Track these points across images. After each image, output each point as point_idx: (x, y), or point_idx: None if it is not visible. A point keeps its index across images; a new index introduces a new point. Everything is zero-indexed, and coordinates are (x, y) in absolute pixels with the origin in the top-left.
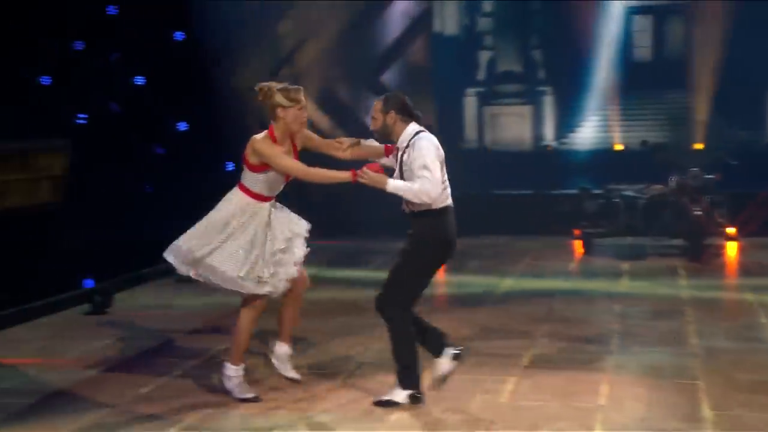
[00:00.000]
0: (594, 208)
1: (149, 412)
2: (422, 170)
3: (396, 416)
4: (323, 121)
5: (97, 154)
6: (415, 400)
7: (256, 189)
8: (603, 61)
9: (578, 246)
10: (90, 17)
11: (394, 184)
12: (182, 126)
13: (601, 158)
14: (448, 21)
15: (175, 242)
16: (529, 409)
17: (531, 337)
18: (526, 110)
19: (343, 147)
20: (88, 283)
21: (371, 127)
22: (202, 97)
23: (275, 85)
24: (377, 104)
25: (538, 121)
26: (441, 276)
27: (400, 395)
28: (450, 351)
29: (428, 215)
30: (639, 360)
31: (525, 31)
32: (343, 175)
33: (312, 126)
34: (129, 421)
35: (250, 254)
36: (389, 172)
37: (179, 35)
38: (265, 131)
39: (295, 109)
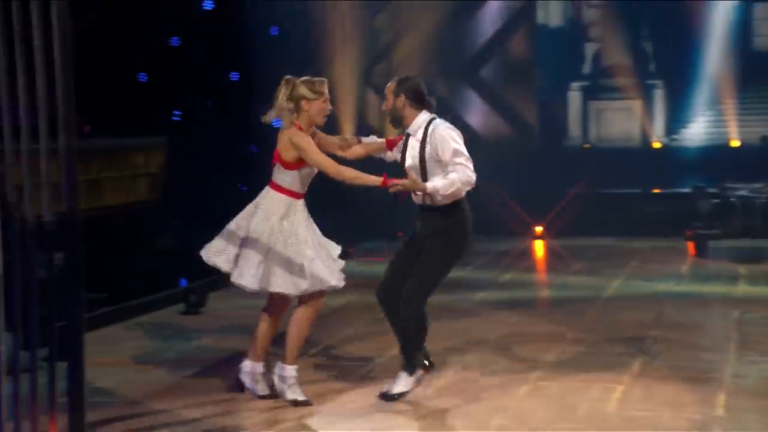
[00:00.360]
0: (708, 208)
1: (244, 413)
2: (457, 157)
3: (497, 421)
4: None
5: (192, 151)
6: (417, 380)
7: (291, 187)
8: (718, 51)
9: (690, 248)
10: (185, 13)
11: (433, 185)
12: (276, 123)
13: (716, 155)
14: (552, 12)
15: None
16: (639, 419)
17: (640, 343)
18: (635, 105)
19: (343, 145)
20: (183, 282)
21: (383, 107)
22: None
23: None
24: (390, 85)
25: (647, 116)
26: (543, 277)
27: (408, 382)
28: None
29: (454, 207)
30: (760, 369)
31: (634, 22)
32: (375, 180)
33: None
34: (225, 420)
35: (306, 251)
36: (391, 167)
37: (274, 30)
38: (293, 126)
39: (319, 102)
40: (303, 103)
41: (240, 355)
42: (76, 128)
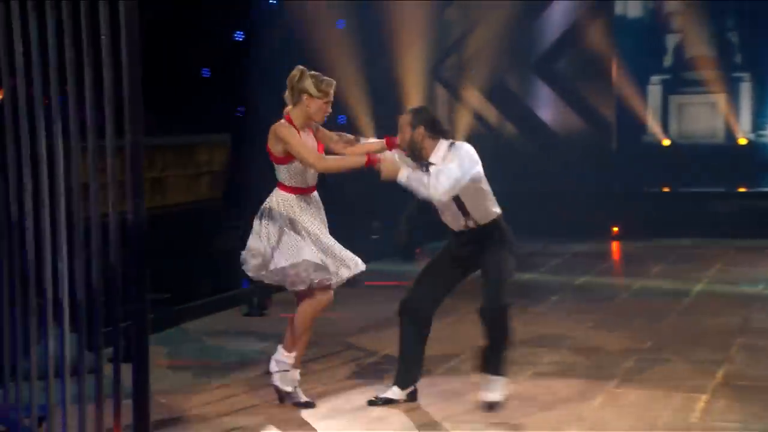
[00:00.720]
0: None
1: (306, 417)
2: (451, 163)
3: (573, 431)
4: (490, 111)
5: (255, 148)
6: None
7: (291, 182)
8: None
9: None
10: (251, 7)
11: (406, 175)
12: (341, 119)
13: None
14: (632, 3)
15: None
16: (724, 430)
17: (724, 350)
18: (719, 99)
19: (339, 141)
20: (245, 284)
21: (398, 141)
22: (363, 87)
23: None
24: (405, 117)
25: (732, 111)
26: (620, 281)
27: (503, 384)
28: (410, 389)
29: (498, 221)
30: None
31: (719, 11)
32: (359, 161)
33: (478, 117)
34: (287, 425)
35: (309, 243)
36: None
37: (341, 23)
38: (282, 119)
39: (321, 102)
40: (305, 97)
41: (305, 359)
42: (142, 125)
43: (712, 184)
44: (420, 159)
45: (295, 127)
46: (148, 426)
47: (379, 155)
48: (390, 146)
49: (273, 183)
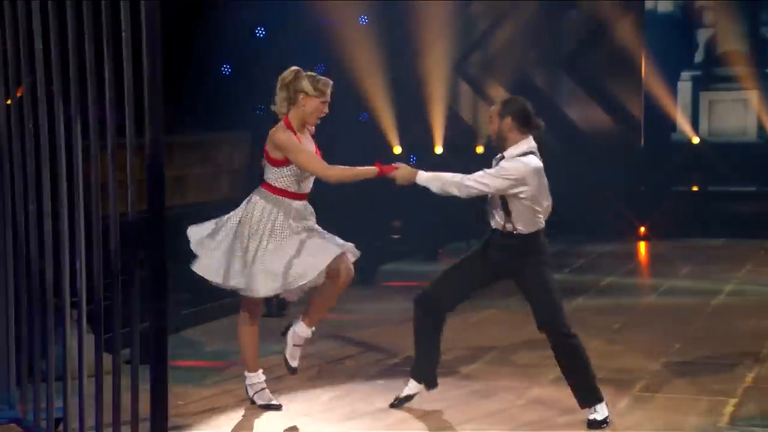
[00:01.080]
0: None
1: (327, 420)
2: (490, 170)
3: None
4: None
5: None
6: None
7: (281, 184)
8: None
9: None
10: (272, 3)
11: (425, 175)
12: (364, 116)
13: None
14: None
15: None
16: None
17: (754, 354)
18: (751, 96)
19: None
20: None
21: (490, 130)
22: (385, 85)
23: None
24: (496, 107)
25: (765, 108)
26: (647, 281)
27: (602, 409)
28: (429, 382)
29: (539, 234)
30: None
31: (752, 5)
32: (369, 171)
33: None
34: (307, 428)
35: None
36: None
37: (363, 19)
38: (281, 122)
39: (318, 101)
40: (301, 97)
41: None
42: (162, 124)
43: (743, 183)
44: (500, 150)
45: (293, 130)
46: (166, 429)
47: (394, 167)
48: (381, 173)
49: None
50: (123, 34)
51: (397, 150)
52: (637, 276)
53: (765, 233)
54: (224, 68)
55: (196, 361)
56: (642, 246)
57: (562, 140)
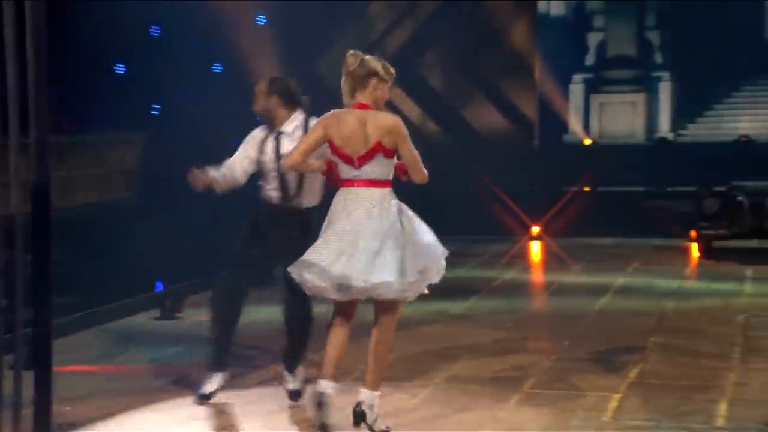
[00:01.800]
0: (714, 207)
1: (220, 421)
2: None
3: None
4: (413, 109)
5: (171, 146)
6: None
7: (391, 176)
8: (730, 42)
9: (695, 249)
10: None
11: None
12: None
13: (725, 151)
14: (554, 2)
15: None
16: (636, 428)
17: (639, 349)
18: (640, 98)
19: None
20: (159, 286)
21: (253, 107)
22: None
23: None
24: (261, 85)
25: (652, 110)
26: (540, 280)
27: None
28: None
29: (313, 211)
30: (765, 377)
31: (640, 10)
32: (317, 164)
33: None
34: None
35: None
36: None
37: (261, 19)
38: (371, 109)
39: (387, 87)
40: (374, 81)
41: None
42: (48, 122)
43: (631, 184)
44: (273, 127)
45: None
46: None
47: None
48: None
49: (189, 183)
50: (5, 31)
51: None
52: (530, 274)
53: (652, 232)
54: (118, 67)
55: (85, 366)
56: (535, 245)
57: (458, 141)
